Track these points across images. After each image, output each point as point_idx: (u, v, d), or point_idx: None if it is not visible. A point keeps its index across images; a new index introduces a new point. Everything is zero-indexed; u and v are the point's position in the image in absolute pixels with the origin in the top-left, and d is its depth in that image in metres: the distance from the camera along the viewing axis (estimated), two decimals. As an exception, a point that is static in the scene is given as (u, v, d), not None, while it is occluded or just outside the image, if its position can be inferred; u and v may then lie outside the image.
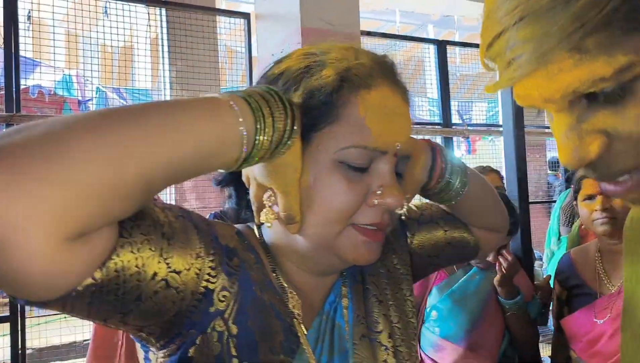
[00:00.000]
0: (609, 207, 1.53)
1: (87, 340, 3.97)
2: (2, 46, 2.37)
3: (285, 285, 0.65)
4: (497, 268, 1.67)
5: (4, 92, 2.37)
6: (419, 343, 1.76)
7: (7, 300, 2.40)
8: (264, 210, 0.62)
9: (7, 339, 2.42)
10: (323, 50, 0.63)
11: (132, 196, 0.46)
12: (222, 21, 3.65)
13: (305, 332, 0.64)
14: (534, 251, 3.66)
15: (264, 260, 0.66)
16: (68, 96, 4.02)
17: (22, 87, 2.53)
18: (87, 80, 3.97)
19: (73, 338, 3.82)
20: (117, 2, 2.90)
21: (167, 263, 0.53)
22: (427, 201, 0.86)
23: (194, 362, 0.57)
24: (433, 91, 3.94)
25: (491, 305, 1.73)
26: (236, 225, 0.69)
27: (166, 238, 0.53)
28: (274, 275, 0.66)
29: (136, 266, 0.50)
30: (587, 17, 0.33)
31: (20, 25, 2.44)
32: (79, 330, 3.55)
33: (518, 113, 2.19)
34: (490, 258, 1.71)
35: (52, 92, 4.06)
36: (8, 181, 0.39)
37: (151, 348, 0.60)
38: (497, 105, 5.98)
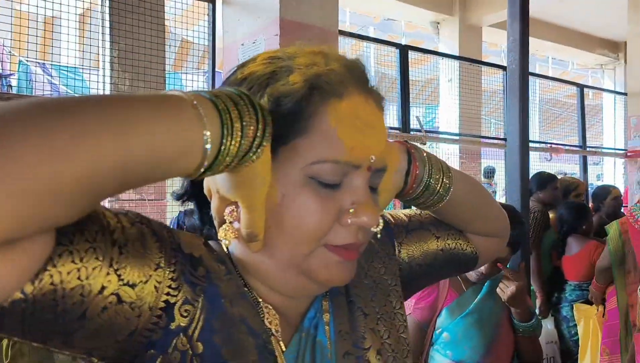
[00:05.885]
0: None
1: None
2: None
3: (260, 299, 0.60)
4: (501, 290, 1.63)
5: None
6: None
7: None
8: (224, 226, 0.57)
9: None
10: (290, 54, 0.57)
11: (71, 200, 0.39)
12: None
13: (284, 350, 0.58)
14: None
15: (234, 272, 0.60)
16: (-16, 68, 3.46)
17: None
18: (7, 50, 3.44)
19: None
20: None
21: (119, 275, 0.47)
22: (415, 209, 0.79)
23: None
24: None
25: (504, 327, 1.70)
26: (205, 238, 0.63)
27: (117, 245, 0.48)
28: (246, 289, 0.59)
29: (78, 278, 0.44)
30: None
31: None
32: None
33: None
34: (483, 270, 1.68)
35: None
36: None
37: None
38: (434, 111, 6.16)
